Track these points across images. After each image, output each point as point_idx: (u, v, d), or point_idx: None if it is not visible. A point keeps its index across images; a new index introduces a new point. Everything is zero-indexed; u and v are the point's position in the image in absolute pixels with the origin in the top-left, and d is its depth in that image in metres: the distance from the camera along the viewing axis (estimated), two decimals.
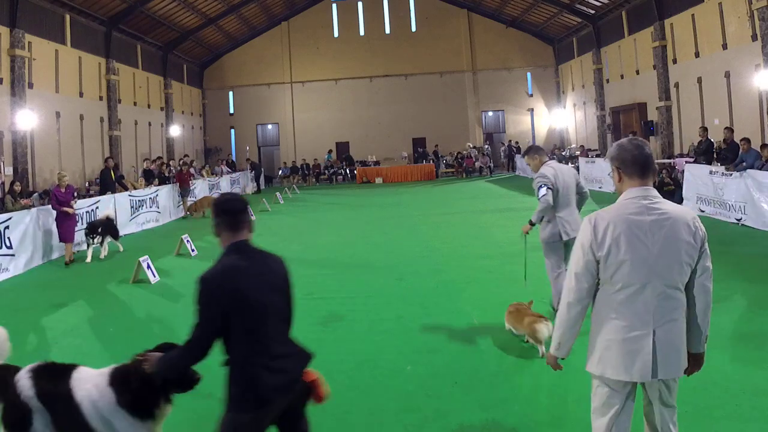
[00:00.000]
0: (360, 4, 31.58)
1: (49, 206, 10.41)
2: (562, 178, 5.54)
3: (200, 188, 19.53)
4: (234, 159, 28.82)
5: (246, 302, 2.42)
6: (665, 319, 2.49)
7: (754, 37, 15.58)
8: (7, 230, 9.49)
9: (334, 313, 6.35)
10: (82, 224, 11.33)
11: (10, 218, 9.63)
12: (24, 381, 2.91)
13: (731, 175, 11.30)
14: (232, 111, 31.94)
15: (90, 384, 2.87)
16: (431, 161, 29.11)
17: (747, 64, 15.96)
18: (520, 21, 30.19)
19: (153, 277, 8.37)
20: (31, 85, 16.71)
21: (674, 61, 19.98)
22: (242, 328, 2.42)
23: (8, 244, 9.47)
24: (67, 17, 18.87)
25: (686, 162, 14.65)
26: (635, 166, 2.56)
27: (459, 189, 21.71)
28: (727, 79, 17.10)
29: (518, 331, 5.10)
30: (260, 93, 31.55)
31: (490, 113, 31.80)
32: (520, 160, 28.13)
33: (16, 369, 3.04)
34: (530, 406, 3.97)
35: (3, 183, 15.22)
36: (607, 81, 25.31)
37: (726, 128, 13.40)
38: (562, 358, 2.68)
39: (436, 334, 5.52)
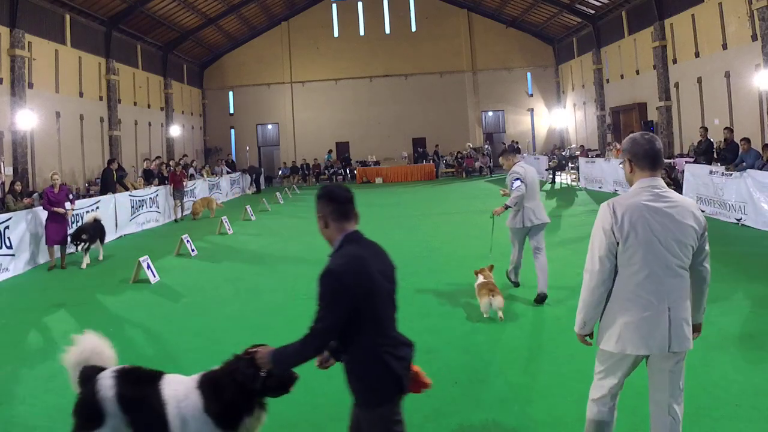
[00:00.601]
0: (360, 4, 31.58)
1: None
2: (530, 175, 6.61)
3: (200, 188, 19.52)
4: (234, 159, 28.81)
5: (375, 291, 2.42)
6: (677, 296, 2.70)
7: (754, 37, 15.58)
8: (7, 230, 9.49)
9: None
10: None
11: (10, 218, 9.63)
12: (105, 380, 2.83)
13: (731, 175, 11.30)
14: (232, 111, 31.94)
15: (177, 388, 2.77)
16: (431, 161, 29.10)
17: (747, 64, 15.95)
18: (520, 21, 30.19)
19: (153, 277, 8.37)
20: (31, 85, 16.71)
21: (674, 61, 19.98)
22: (371, 318, 2.41)
23: (8, 244, 9.47)
24: (67, 17, 18.86)
25: (686, 162, 14.64)
26: (646, 159, 2.76)
27: (459, 189, 21.70)
28: (727, 79, 17.10)
29: (481, 301, 6.00)
30: (260, 93, 31.54)
31: (490, 113, 31.80)
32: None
33: (103, 368, 2.98)
34: (530, 406, 3.97)
35: (3, 183, 15.23)
36: (607, 81, 25.31)
37: (726, 128, 13.40)
38: (589, 336, 2.88)
39: (436, 334, 5.51)
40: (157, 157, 21.35)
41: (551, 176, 22.51)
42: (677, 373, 2.78)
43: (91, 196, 15.36)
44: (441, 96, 31.04)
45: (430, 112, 31.03)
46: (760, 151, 11.91)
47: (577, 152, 24.51)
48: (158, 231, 14.50)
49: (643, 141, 2.79)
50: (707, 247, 2.88)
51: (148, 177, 17.21)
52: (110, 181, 14.40)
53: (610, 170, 18.20)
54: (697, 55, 18.62)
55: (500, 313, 5.83)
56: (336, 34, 31.63)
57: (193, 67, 30.25)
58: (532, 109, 31.32)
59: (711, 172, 12.08)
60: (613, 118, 24.99)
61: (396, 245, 10.46)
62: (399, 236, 11.51)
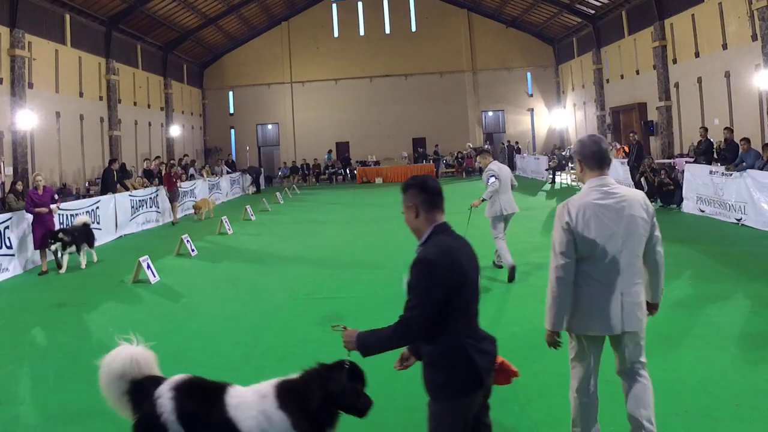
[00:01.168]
0: (360, 4, 31.58)
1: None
2: (503, 173, 7.91)
3: (200, 188, 19.51)
4: (234, 159, 28.80)
5: (466, 282, 2.41)
6: (629, 282, 2.97)
7: (754, 37, 15.58)
8: (7, 230, 9.49)
9: (334, 313, 6.35)
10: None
11: (10, 218, 9.62)
12: (165, 400, 2.61)
13: (731, 175, 11.29)
14: (232, 111, 31.94)
15: (254, 408, 2.53)
16: (431, 161, 29.09)
17: (747, 64, 15.95)
18: (520, 21, 30.19)
19: (153, 277, 8.36)
20: (31, 85, 16.71)
21: (674, 61, 19.98)
22: (460, 310, 2.40)
23: (8, 244, 9.47)
24: (67, 17, 18.86)
25: (686, 162, 14.64)
26: (594, 159, 3.05)
27: (459, 189, 21.67)
28: (727, 79, 17.10)
29: None
30: (260, 93, 31.54)
31: (490, 113, 31.79)
32: (520, 160, 28.16)
33: (160, 380, 2.75)
34: (530, 406, 3.97)
35: (3, 183, 15.24)
36: (607, 81, 25.31)
37: (726, 128, 13.40)
38: (558, 334, 3.07)
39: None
40: (157, 157, 21.36)
41: (551, 176, 22.49)
42: (637, 350, 3.07)
43: (91, 196, 15.36)
44: (441, 96, 31.04)
45: (430, 112, 31.03)
46: (760, 151, 11.90)
47: None
48: (158, 231, 14.50)
49: (590, 143, 3.08)
50: (658, 233, 3.09)
51: (148, 177, 17.20)
52: (110, 181, 14.39)
53: (609, 170, 18.18)
54: (697, 55, 18.62)
55: None
56: (336, 34, 31.62)
57: (193, 67, 30.25)
58: (532, 109, 31.32)
59: (711, 172, 12.07)
60: (613, 118, 24.99)
61: (396, 245, 10.46)
62: (399, 236, 11.49)
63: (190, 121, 29.64)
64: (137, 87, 23.74)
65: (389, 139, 30.94)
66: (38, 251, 9.67)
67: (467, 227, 8.11)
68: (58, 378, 4.89)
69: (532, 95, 31.26)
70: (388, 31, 31.70)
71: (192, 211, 17.02)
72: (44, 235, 9.39)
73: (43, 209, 9.40)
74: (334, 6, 31.60)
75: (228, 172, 24.26)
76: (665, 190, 13.74)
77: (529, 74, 31.21)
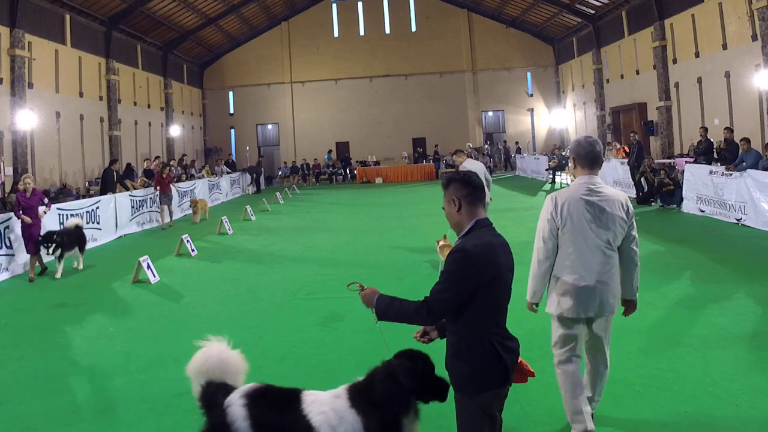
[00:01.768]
0: (360, 4, 31.58)
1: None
2: (479, 169, 8.29)
3: (200, 188, 19.49)
4: (234, 159, 28.80)
5: (499, 278, 2.43)
6: (605, 271, 3.27)
7: (754, 37, 15.58)
8: (6, 230, 9.49)
9: (334, 313, 6.35)
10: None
11: (10, 218, 9.61)
12: (236, 408, 2.53)
13: (731, 175, 11.29)
14: (232, 111, 31.94)
15: (325, 409, 2.51)
16: (431, 161, 29.08)
17: (747, 64, 15.96)
18: (520, 21, 30.19)
19: (153, 277, 8.36)
20: (31, 85, 16.71)
21: (674, 61, 19.98)
22: (491, 305, 2.43)
23: (8, 244, 9.46)
24: (67, 17, 18.87)
25: (686, 162, 14.64)
26: (587, 159, 3.35)
27: None
28: (727, 79, 17.10)
29: (441, 257, 7.52)
30: (260, 93, 31.55)
31: (490, 113, 31.79)
32: (520, 160, 28.16)
33: (230, 389, 2.67)
34: (530, 406, 3.97)
35: (3, 183, 15.24)
36: (607, 81, 25.31)
37: (726, 128, 13.40)
38: (536, 304, 3.47)
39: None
40: (157, 157, 21.36)
41: (551, 176, 22.48)
42: (605, 330, 3.44)
43: (91, 196, 15.36)
44: (441, 96, 31.04)
45: (430, 112, 31.03)
46: (760, 151, 11.90)
47: None
48: (158, 231, 14.49)
49: (586, 144, 3.39)
50: (634, 233, 3.40)
51: (149, 177, 17.17)
52: (111, 181, 14.39)
53: (609, 170, 18.18)
54: (697, 55, 18.62)
55: None
56: (336, 34, 31.62)
57: (193, 67, 30.25)
58: (532, 109, 31.32)
59: (711, 172, 12.07)
60: (613, 118, 24.99)
61: (396, 245, 10.47)
62: (399, 236, 11.51)
63: (190, 121, 29.64)
64: (137, 87, 23.74)
65: (389, 139, 30.95)
66: (30, 256, 9.18)
67: None
68: (58, 378, 4.89)
69: (532, 95, 31.26)
70: (388, 31, 31.70)
71: (191, 211, 16.85)
72: (31, 240, 8.97)
73: (27, 219, 8.94)
74: (334, 6, 31.60)
75: (228, 172, 24.25)
76: (665, 190, 13.75)
77: (529, 74, 31.21)
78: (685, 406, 3.80)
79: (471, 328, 2.43)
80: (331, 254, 9.99)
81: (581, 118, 28.23)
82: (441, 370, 2.55)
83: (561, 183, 22.15)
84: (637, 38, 22.17)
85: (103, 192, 14.10)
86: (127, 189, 14.85)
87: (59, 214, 11.07)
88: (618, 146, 20.87)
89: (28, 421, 4.09)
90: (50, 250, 9.01)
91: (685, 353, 4.70)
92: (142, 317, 6.65)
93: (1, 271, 9.22)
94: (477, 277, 2.36)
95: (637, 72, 22.57)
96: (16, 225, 9.55)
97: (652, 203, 14.28)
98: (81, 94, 19.65)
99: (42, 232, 9.27)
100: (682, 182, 13.24)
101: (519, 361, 2.63)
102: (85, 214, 11.89)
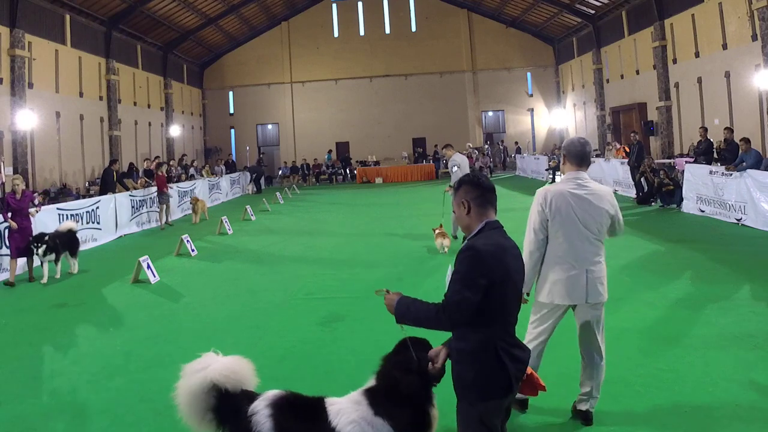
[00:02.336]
0: (360, 4, 31.58)
1: (49, 206, 10.30)
2: (464, 163, 10.09)
3: (200, 188, 19.49)
4: (234, 159, 28.80)
5: (510, 280, 2.38)
6: (593, 261, 3.49)
7: (754, 37, 15.58)
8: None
9: (334, 313, 6.35)
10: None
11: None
12: (262, 417, 2.48)
13: (731, 175, 11.29)
14: (232, 111, 31.94)
15: (353, 413, 2.48)
16: (431, 161, 29.08)
17: (747, 64, 15.96)
18: (520, 21, 30.19)
19: (153, 277, 8.36)
20: (31, 85, 16.72)
21: (674, 61, 19.98)
22: (496, 308, 2.36)
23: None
24: (67, 17, 18.87)
25: (686, 162, 14.64)
26: (576, 158, 3.58)
27: None
28: (727, 79, 17.10)
29: (437, 244, 9.33)
30: (260, 93, 31.55)
31: (490, 113, 31.79)
32: (520, 160, 28.16)
33: (253, 396, 2.62)
34: (531, 406, 3.96)
35: (3, 183, 15.23)
36: (607, 81, 25.31)
37: (726, 128, 13.40)
38: (527, 294, 3.57)
39: (436, 334, 5.51)
40: (157, 157, 21.35)
41: (551, 176, 22.48)
42: (597, 320, 3.56)
43: (91, 196, 15.35)
44: (441, 96, 31.04)
45: (430, 112, 31.03)
46: (760, 151, 11.89)
47: None
48: (158, 231, 14.49)
49: (578, 143, 3.61)
50: (620, 222, 3.63)
51: (149, 177, 17.16)
52: (110, 181, 14.38)
53: (609, 170, 18.20)
54: (697, 55, 18.62)
55: (446, 250, 9.16)
56: (336, 34, 31.63)
57: (193, 67, 30.25)
58: (532, 109, 31.32)
59: (711, 172, 12.07)
60: (613, 118, 24.99)
61: (396, 245, 10.47)
62: (400, 236, 11.51)
63: (190, 121, 29.64)
64: (137, 87, 23.74)
65: (389, 139, 30.96)
66: (11, 260, 8.74)
67: (443, 207, 10.08)
68: (58, 378, 4.89)
69: (532, 95, 31.26)
70: (388, 31, 31.70)
71: (191, 210, 16.81)
72: (22, 242, 8.60)
73: (14, 225, 8.54)
74: (334, 6, 31.60)
75: (227, 172, 24.23)
76: (665, 191, 13.75)
77: (529, 74, 31.21)
78: (685, 406, 3.80)
79: (477, 332, 2.37)
80: (331, 254, 9.99)
81: (581, 118, 28.23)
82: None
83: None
84: (637, 38, 22.17)
85: (103, 192, 14.09)
86: (127, 189, 14.84)
87: (59, 214, 11.06)
88: (618, 146, 20.89)
89: (28, 421, 4.09)
90: (39, 251, 8.57)
91: (685, 353, 4.70)
92: (142, 317, 6.65)
93: (2, 271, 9.21)
94: (489, 276, 2.30)
95: (637, 72, 22.57)
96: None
97: (652, 203, 14.28)
98: (81, 94, 19.66)
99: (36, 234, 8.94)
100: (682, 182, 13.24)
101: (529, 372, 2.56)
102: (85, 214, 11.90)
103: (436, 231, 9.47)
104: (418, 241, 10.84)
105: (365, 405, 2.51)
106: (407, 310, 2.50)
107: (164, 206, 14.93)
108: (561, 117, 30.22)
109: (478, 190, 2.52)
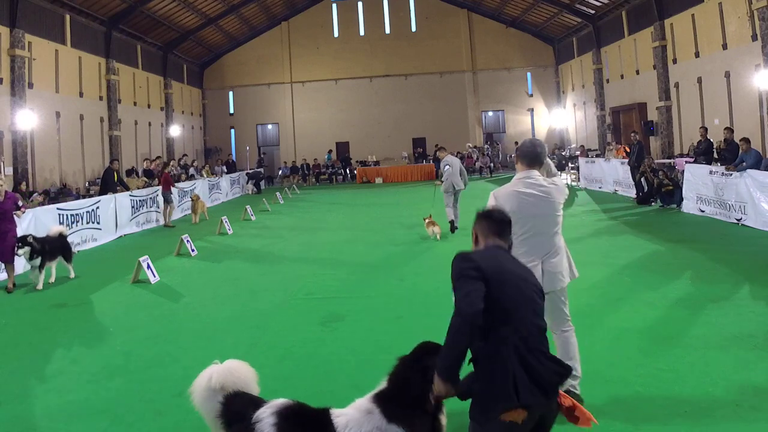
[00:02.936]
0: (360, 4, 31.58)
1: (49, 206, 10.28)
2: (454, 163, 11.38)
3: (200, 188, 19.48)
4: (234, 159, 28.79)
5: (511, 283, 2.32)
6: (548, 251, 3.73)
7: (754, 37, 15.58)
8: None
9: (334, 313, 6.35)
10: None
11: (18, 217, 9.57)
12: (264, 425, 2.45)
13: (731, 175, 11.29)
14: (232, 111, 31.93)
15: (364, 426, 2.40)
16: (431, 161, 29.07)
17: (747, 64, 15.95)
18: (520, 21, 30.19)
19: (153, 277, 8.36)
20: (31, 85, 16.71)
21: (674, 61, 19.98)
22: (500, 309, 2.26)
23: None
24: (67, 17, 18.86)
25: (686, 162, 14.64)
26: (527, 158, 3.82)
27: None
28: (727, 79, 17.10)
29: (428, 232, 10.74)
30: (260, 93, 31.55)
31: (490, 113, 31.79)
32: None
33: (259, 403, 2.59)
34: None
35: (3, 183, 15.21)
36: (607, 81, 25.30)
37: (726, 128, 13.39)
38: None
39: (436, 334, 5.50)
40: (158, 157, 21.35)
41: None
42: (560, 306, 3.82)
43: (91, 196, 15.35)
44: (441, 96, 31.04)
45: (430, 112, 31.03)
46: (760, 151, 11.88)
47: (577, 152, 24.52)
48: (158, 231, 14.50)
49: (529, 145, 3.88)
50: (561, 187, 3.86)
51: (149, 177, 17.17)
52: (111, 181, 14.37)
53: (610, 170, 18.20)
54: (697, 55, 18.62)
55: (438, 236, 10.60)
56: (336, 34, 31.62)
57: (193, 67, 30.25)
58: (532, 109, 31.31)
59: (711, 172, 12.07)
60: (613, 118, 24.98)
61: (397, 245, 10.47)
62: (400, 236, 11.52)
63: (190, 121, 29.64)
64: (137, 87, 23.74)
65: (389, 139, 30.95)
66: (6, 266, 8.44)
67: (433, 199, 12.68)
68: (58, 378, 4.89)
69: (532, 95, 31.25)
70: (388, 31, 31.70)
71: (190, 211, 16.78)
72: (5, 247, 8.20)
73: None
74: (334, 6, 31.59)
75: (226, 173, 24.21)
76: (664, 191, 13.75)
77: (529, 74, 31.20)
78: (685, 406, 3.80)
79: (486, 338, 2.27)
80: (332, 254, 9.99)
81: (581, 118, 28.23)
82: None
83: None
84: (637, 38, 22.16)
85: (103, 192, 14.08)
86: (127, 189, 14.84)
87: (59, 214, 11.07)
88: (618, 147, 20.90)
89: (28, 421, 4.09)
90: (20, 252, 8.17)
91: (685, 353, 4.70)
92: (142, 317, 6.65)
93: (2, 272, 9.21)
94: (479, 268, 2.28)
95: (637, 72, 22.57)
96: (22, 222, 9.53)
97: (652, 203, 14.29)
98: (81, 94, 19.65)
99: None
100: (682, 182, 13.24)
101: (572, 404, 2.38)
102: (85, 214, 11.90)
103: (426, 220, 10.96)
104: (418, 241, 10.85)
105: (378, 413, 2.43)
106: (440, 363, 2.29)
107: (169, 205, 15.13)
108: (561, 117, 30.22)
109: (485, 222, 2.61)
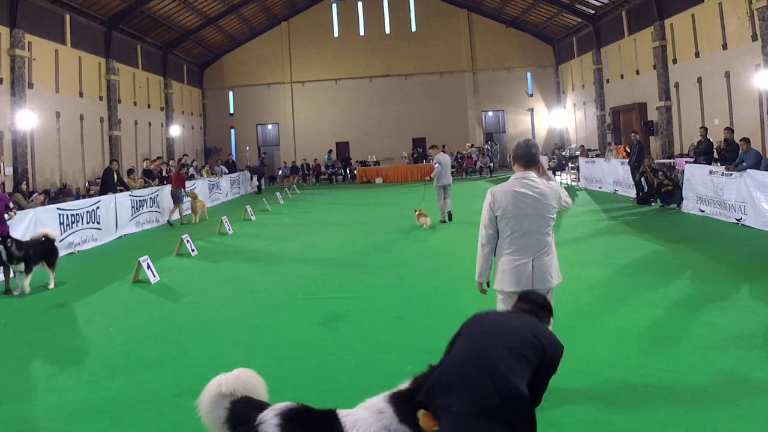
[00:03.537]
0: (360, 4, 31.58)
1: (49, 206, 10.27)
2: (445, 160, 12.45)
3: (200, 188, 19.48)
4: (234, 159, 28.80)
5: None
6: (539, 252, 3.80)
7: (754, 37, 15.58)
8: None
9: (334, 313, 6.35)
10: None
11: (9, 219, 9.58)
12: (268, 426, 2.40)
13: (731, 175, 11.29)
14: (232, 111, 31.93)
15: (372, 426, 2.35)
16: (431, 161, 29.05)
17: (747, 64, 15.95)
18: (520, 21, 30.19)
19: (153, 277, 8.36)
20: (31, 85, 16.71)
21: (674, 61, 19.98)
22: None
23: None
24: (67, 17, 18.86)
25: (686, 162, 14.64)
26: (523, 159, 3.91)
27: (459, 189, 21.68)
28: (727, 79, 17.10)
29: (419, 222, 11.97)
30: (260, 93, 31.55)
31: (490, 113, 31.79)
32: None
33: (264, 406, 2.55)
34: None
35: (3, 183, 15.25)
36: (607, 81, 25.30)
37: (726, 128, 13.40)
38: (486, 284, 4.02)
39: (436, 334, 5.50)
40: (158, 158, 21.35)
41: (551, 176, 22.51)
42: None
43: (91, 196, 15.35)
44: (441, 96, 31.03)
45: (430, 112, 31.03)
46: (760, 151, 11.88)
47: (577, 152, 24.51)
48: (158, 231, 14.50)
49: (523, 145, 3.93)
50: (565, 200, 3.96)
51: (149, 177, 17.17)
52: (110, 181, 14.37)
53: (610, 170, 18.20)
54: (697, 55, 18.62)
55: (425, 226, 11.77)
56: (336, 34, 31.62)
57: (193, 67, 30.25)
58: (532, 109, 31.31)
59: (711, 172, 12.07)
60: (613, 118, 24.98)
61: (396, 245, 10.47)
62: (399, 236, 11.52)
63: (190, 121, 29.64)
64: (137, 87, 23.74)
65: (389, 139, 30.95)
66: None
67: (424, 193, 14.65)
68: (58, 378, 4.89)
69: (532, 95, 31.25)
70: (388, 31, 31.69)
71: (190, 210, 16.77)
72: None
73: None
74: (334, 6, 31.59)
75: (225, 173, 24.20)
76: (664, 191, 13.75)
77: (529, 74, 31.20)
78: (685, 406, 3.80)
79: None
80: (331, 254, 9.99)
81: (581, 118, 28.23)
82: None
83: (561, 183, 22.15)
84: (637, 38, 22.16)
85: (103, 192, 14.08)
86: (128, 189, 14.84)
87: (59, 214, 11.07)
88: (618, 147, 20.90)
89: (28, 421, 4.09)
90: (17, 266, 7.83)
91: (685, 353, 4.70)
92: (142, 317, 6.65)
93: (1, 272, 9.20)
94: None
95: (637, 72, 22.57)
96: (22, 222, 9.57)
97: (652, 203, 14.29)
98: (81, 94, 19.65)
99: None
100: (682, 182, 13.24)
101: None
102: (85, 214, 11.90)
103: (417, 212, 12.21)
104: (418, 240, 10.85)
105: (390, 413, 2.39)
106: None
107: (178, 205, 15.42)
108: (561, 117, 30.22)
109: (523, 303, 2.90)
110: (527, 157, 3.90)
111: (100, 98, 20.92)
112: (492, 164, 28.87)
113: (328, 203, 19.42)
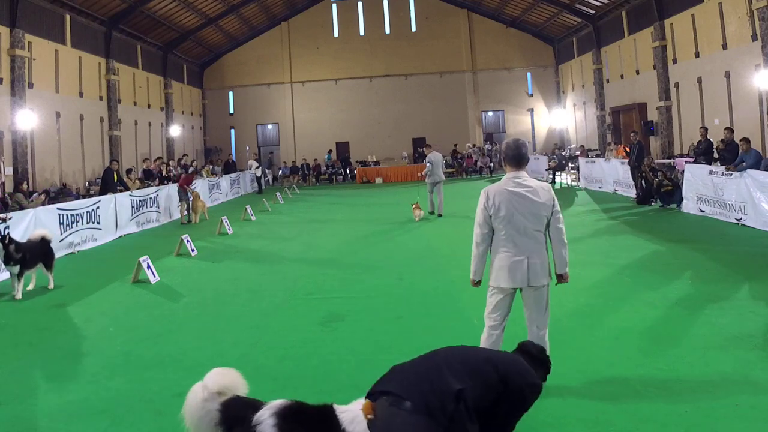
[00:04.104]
0: (360, 4, 31.58)
1: (49, 206, 10.27)
2: (436, 159, 13.62)
3: (200, 188, 19.45)
4: (234, 159, 28.78)
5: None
6: (533, 250, 3.88)
7: (754, 37, 15.58)
8: (7, 230, 9.47)
9: (335, 313, 6.35)
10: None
11: (10, 218, 9.59)
12: (265, 426, 2.38)
13: (731, 175, 11.29)
14: (232, 111, 31.94)
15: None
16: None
17: (747, 64, 15.96)
18: (520, 21, 30.19)
19: (153, 277, 8.36)
20: (31, 85, 16.71)
21: (674, 61, 19.98)
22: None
23: None
24: (67, 17, 18.87)
25: (686, 162, 14.64)
26: (513, 159, 3.98)
27: (459, 189, 21.68)
28: (727, 79, 17.10)
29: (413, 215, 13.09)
30: (260, 93, 31.55)
31: (490, 113, 31.79)
32: None
33: (258, 405, 2.52)
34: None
35: (3, 183, 15.25)
36: (607, 81, 25.31)
37: (726, 128, 13.40)
38: (479, 281, 4.12)
39: (436, 334, 5.51)
40: (159, 158, 21.35)
41: (551, 176, 22.48)
42: (540, 301, 3.95)
43: (91, 196, 15.36)
44: (441, 96, 31.04)
45: (430, 112, 31.03)
46: (760, 151, 11.88)
47: (577, 152, 24.50)
48: (158, 231, 14.50)
49: (513, 146, 4.01)
50: (558, 215, 3.96)
51: (148, 177, 17.17)
52: (110, 181, 14.37)
53: (610, 170, 18.19)
54: (697, 55, 18.62)
55: (417, 219, 12.99)
56: (336, 34, 31.63)
57: (193, 67, 30.25)
58: (532, 109, 31.32)
59: (711, 172, 12.07)
60: (613, 118, 24.99)
61: (396, 245, 10.47)
62: (399, 236, 11.52)
63: (190, 121, 29.65)
64: (137, 87, 23.74)
65: (389, 139, 30.95)
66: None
67: (418, 189, 15.45)
68: (58, 378, 4.89)
69: (532, 95, 31.26)
70: (388, 31, 31.70)
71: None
72: None
73: None
74: (334, 6, 31.60)
75: (225, 173, 24.19)
76: (663, 191, 13.75)
77: (529, 74, 31.20)
78: (685, 406, 3.79)
79: None
80: (331, 254, 9.99)
81: (581, 118, 28.23)
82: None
83: (561, 183, 22.16)
84: (637, 38, 22.16)
85: (102, 192, 14.08)
86: (128, 189, 14.84)
87: (59, 214, 11.07)
88: (618, 147, 20.90)
89: (28, 421, 4.09)
90: (15, 269, 7.72)
91: (685, 353, 4.70)
92: (142, 317, 6.64)
93: (1, 272, 9.21)
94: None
95: (637, 72, 22.57)
96: (22, 222, 9.56)
97: (652, 203, 14.28)
98: (81, 94, 19.66)
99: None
100: (682, 182, 13.24)
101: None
102: (85, 214, 11.89)
103: (413, 206, 13.40)
104: (419, 241, 10.85)
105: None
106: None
107: (184, 204, 15.59)
108: (561, 117, 30.22)
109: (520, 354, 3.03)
110: (518, 157, 3.97)
111: (100, 98, 20.92)
112: (492, 164, 28.84)
113: (328, 203, 19.42)
